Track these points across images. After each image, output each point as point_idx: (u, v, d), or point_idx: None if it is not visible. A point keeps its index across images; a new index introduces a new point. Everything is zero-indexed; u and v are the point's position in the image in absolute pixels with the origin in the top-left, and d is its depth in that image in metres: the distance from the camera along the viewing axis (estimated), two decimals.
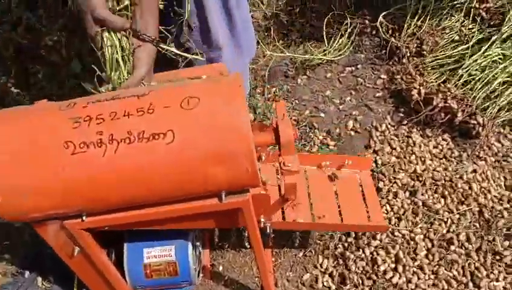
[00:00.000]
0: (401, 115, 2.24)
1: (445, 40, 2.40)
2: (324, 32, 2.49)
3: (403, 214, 1.88)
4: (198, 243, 1.72)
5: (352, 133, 2.22)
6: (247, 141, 1.10)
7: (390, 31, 2.48)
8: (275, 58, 2.46)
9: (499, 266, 1.71)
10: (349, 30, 2.51)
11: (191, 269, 1.58)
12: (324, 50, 2.47)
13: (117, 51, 1.24)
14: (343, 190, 1.70)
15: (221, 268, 1.83)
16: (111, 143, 1.08)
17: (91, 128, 1.10)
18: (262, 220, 1.44)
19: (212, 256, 1.86)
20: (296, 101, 2.36)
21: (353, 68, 2.47)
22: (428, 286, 1.70)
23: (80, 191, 1.12)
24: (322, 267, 1.82)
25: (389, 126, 2.21)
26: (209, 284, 1.79)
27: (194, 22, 1.53)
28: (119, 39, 1.24)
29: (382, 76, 2.41)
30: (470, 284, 1.69)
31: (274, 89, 2.42)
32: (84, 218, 1.21)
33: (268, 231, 1.46)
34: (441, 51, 2.35)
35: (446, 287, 1.69)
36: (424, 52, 2.36)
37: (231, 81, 1.16)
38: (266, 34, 2.61)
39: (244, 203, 1.24)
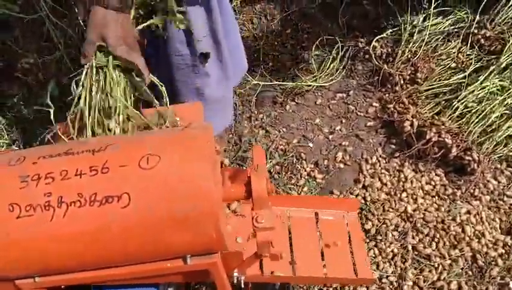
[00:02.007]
0: (393, 147, 2.14)
1: (441, 66, 2.30)
2: (313, 59, 2.39)
3: (392, 259, 1.77)
4: (170, 289, 1.62)
5: (341, 165, 2.11)
6: (212, 205, 0.99)
7: (384, 56, 2.38)
8: (263, 84, 2.36)
9: None
10: (341, 54, 2.41)
11: None
12: (314, 76, 2.37)
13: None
14: (328, 237, 1.59)
15: None
16: (59, 207, 0.98)
17: (39, 189, 0.99)
18: (235, 274, 1.33)
19: None
20: (284, 129, 2.26)
21: (344, 94, 2.36)
22: None
23: (26, 258, 1.02)
24: None
25: (380, 159, 2.10)
26: None
27: (181, 51, 1.46)
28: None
29: (374, 104, 2.30)
30: None
31: (261, 115, 2.32)
32: (36, 279, 1.11)
33: (242, 286, 1.36)
34: (436, 79, 2.25)
35: None
36: (419, 80, 2.25)
37: (198, 136, 1.06)
38: (255, 55, 2.50)
39: (210, 265, 1.13)
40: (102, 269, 1.10)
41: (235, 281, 1.35)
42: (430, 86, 2.22)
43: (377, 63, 2.34)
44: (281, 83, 2.36)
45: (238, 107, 2.33)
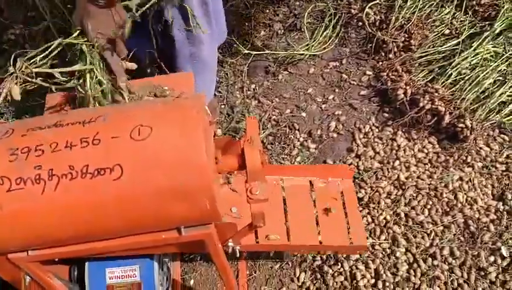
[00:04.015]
0: (386, 115, 2.13)
1: (435, 33, 2.27)
2: (305, 27, 2.35)
3: (384, 226, 1.78)
4: (166, 259, 1.62)
5: (335, 135, 2.10)
6: (206, 176, 0.98)
7: (377, 23, 2.34)
8: (255, 53, 2.32)
9: (483, 283, 1.64)
10: (334, 21, 2.37)
11: (156, 289, 1.49)
12: (307, 44, 2.33)
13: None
14: (323, 205, 1.59)
15: (192, 282, 1.74)
16: (50, 179, 0.96)
17: (29, 161, 0.98)
18: (230, 244, 1.34)
19: (183, 269, 1.77)
20: (277, 99, 2.24)
21: (337, 63, 2.33)
22: None
23: (20, 230, 1.01)
24: (298, 281, 1.74)
25: (373, 127, 2.09)
26: None
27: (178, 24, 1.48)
28: None
29: (368, 72, 2.28)
30: None
31: (254, 85, 2.29)
32: (29, 253, 1.10)
33: (237, 255, 1.37)
34: (430, 46, 2.22)
35: None
36: (412, 47, 2.23)
37: (190, 107, 1.04)
38: (247, 24, 2.46)
39: (205, 236, 1.13)
40: (96, 242, 1.10)
41: (230, 250, 1.35)
42: (423, 52, 2.19)
43: (370, 30, 2.31)
44: (273, 52, 2.33)
45: (230, 77, 2.30)
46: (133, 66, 1.23)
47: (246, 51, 2.29)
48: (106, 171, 0.96)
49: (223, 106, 2.19)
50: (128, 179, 0.96)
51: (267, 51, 2.32)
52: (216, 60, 1.77)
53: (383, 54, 2.30)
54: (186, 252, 1.73)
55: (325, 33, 2.36)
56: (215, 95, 2.20)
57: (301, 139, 2.10)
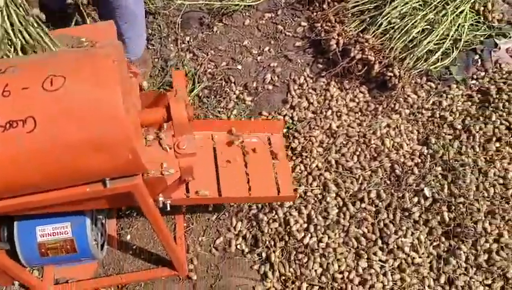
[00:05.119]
0: (320, 66, 2.16)
1: None
2: None
3: (316, 174, 1.85)
4: (100, 216, 1.62)
5: (270, 87, 2.12)
6: (124, 128, 0.97)
7: None
8: (188, 3, 2.26)
9: (407, 222, 1.75)
10: None
11: (90, 245, 1.48)
12: None
13: None
14: (253, 159, 1.63)
15: (129, 237, 1.75)
16: None
17: None
18: (161, 199, 1.35)
19: (119, 225, 1.77)
20: (212, 51, 2.21)
21: (273, 14, 2.32)
22: (338, 244, 1.71)
23: None
24: (235, 230, 1.78)
25: (307, 78, 2.12)
26: (116, 255, 1.71)
27: None
28: None
29: (302, 23, 2.29)
30: (379, 241, 1.72)
31: (188, 38, 2.24)
32: None
33: (168, 209, 1.38)
34: None
35: (356, 244, 1.72)
36: None
37: (104, 56, 1.00)
38: None
39: (132, 187, 1.13)
40: (17, 197, 1.08)
41: (161, 205, 1.36)
42: (356, 2, 2.21)
43: None
44: (207, 2, 2.28)
45: (163, 29, 2.24)
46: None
47: (179, 1, 2.22)
48: (19, 124, 0.93)
49: (156, 60, 2.14)
50: (42, 131, 0.94)
51: (201, 1, 2.26)
52: (143, 9, 1.71)
53: (317, 4, 2.30)
54: (119, 206, 1.72)
55: None
56: (148, 48, 2.14)
57: (237, 92, 2.10)
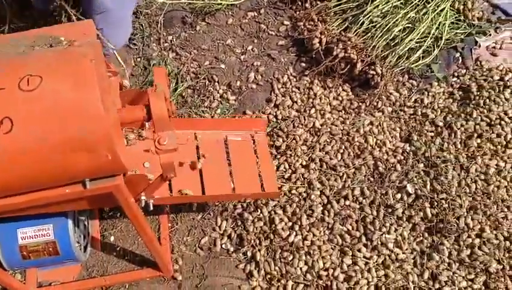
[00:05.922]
0: (304, 65, 2.17)
1: None
2: None
3: (301, 172, 1.85)
4: (82, 217, 1.60)
5: (254, 85, 2.12)
6: (103, 127, 0.96)
7: None
8: (171, 3, 2.25)
9: (391, 218, 1.76)
10: None
11: (73, 247, 1.47)
12: None
13: None
14: (237, 156, 1.62)
15: (112, 239, 1.74)
16: None
17: None
18: (143, 198, 1.34)
19: (102, 226, 1.76)
20: (195, 51, 2.20)
21: (256, 13, 2.32)
22: (323, 242, 1.72)
23: None
24: (220, 229, 1.78)
25: (291, 77, 2.13)
26: (99, 256, 1.70)
27: None
28: None
29: (285, 22, 2.29)
30: (363, 238, 1.73)
31: (171, 37, 2.23)
32: None
33: (151, 208, 1.37)
34: None
35: (340, 242, 1.73)
36: None
37: (82, 55, 0.99)
38: None
39: (113, 188, 1.12)
40: None
41: (143, 204, 1.35)
42: (338, 1, 2.22)
43: None
44: (189, 1, 2.27)
45: (146, 28, 2.22)
46: None
47: (161, 0, 2.21)
48: None
49: (138, 59, 2.13)
50: (19, 132, 0.93)
51: (183, 0, 2.25)
52: (123, 8, 1.68)
53: (300, 3, 2.31)
54: (100, 207, 1.71)
55: None
56: (129, 47, 2.12)
57: (221, 91, 2.09)
